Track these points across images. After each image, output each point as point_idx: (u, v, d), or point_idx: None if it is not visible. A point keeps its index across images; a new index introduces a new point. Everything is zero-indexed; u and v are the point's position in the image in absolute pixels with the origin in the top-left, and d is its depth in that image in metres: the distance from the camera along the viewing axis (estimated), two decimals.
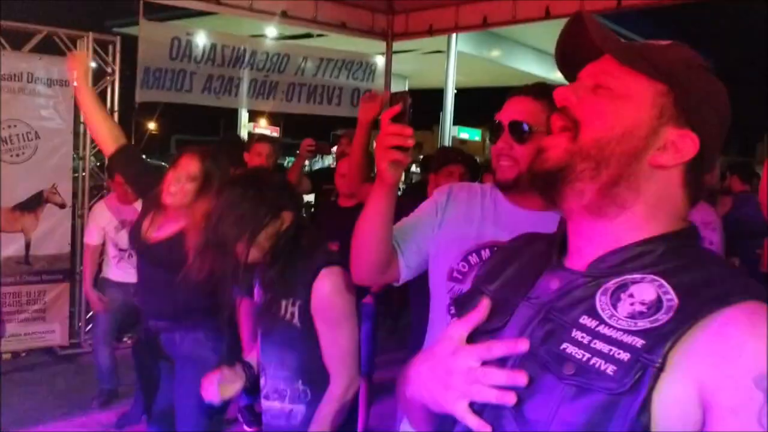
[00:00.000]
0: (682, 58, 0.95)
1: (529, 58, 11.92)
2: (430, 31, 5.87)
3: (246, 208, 1.93)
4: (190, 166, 2.63)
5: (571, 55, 1.00)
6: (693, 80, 0.94)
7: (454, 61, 10.46)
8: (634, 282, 0.89)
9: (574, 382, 0.83)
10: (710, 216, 3.44)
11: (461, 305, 1.10)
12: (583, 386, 0.82)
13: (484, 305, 0.97)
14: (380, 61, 6.84)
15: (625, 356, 0.81)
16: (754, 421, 0.75)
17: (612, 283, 0.90)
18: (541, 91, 1.71)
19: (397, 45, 6.60)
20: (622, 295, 0.88)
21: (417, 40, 6.87)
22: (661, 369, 0.79)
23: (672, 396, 0.79)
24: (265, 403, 2.11)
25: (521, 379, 0.86)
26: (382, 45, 6.59)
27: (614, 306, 0.87)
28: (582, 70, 0.98)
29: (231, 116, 12.37)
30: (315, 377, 2.00)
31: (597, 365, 0.82)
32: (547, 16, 5.11)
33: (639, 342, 0.82)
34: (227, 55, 5.90)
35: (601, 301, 0.89)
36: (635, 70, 0.93)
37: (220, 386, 2.14)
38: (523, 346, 0.88)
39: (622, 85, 0.93)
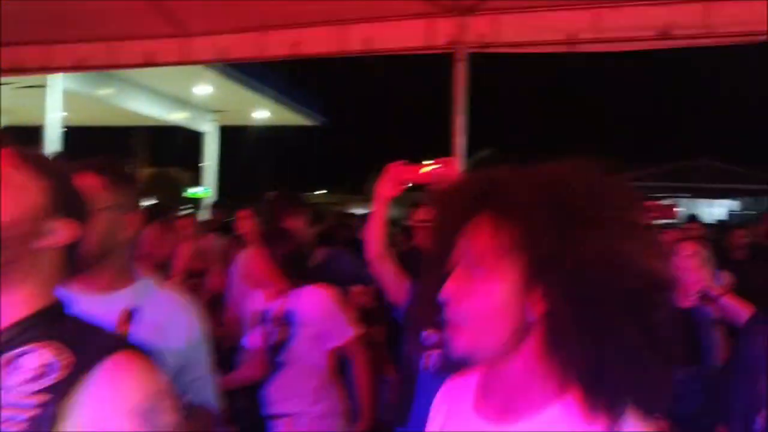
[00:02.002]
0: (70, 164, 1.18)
1: (142, 98, 11.77)
2: (19, 70, 5.41)
3: None
4: None
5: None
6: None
7: (59, 98, 9.85)
8: (29, 351, 1.05)
9: None
10: None
11: None
12: None
13: None
14: None
15: (31, 413, 0.98)
16: None
17: (12, 354, 1.05)
18: (103, 166, 1.74)
19: None
20: (20, 364, 1.03)
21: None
22: (60, 418, 0.98)
23: None
24: None
25: None
26: None
27: (15, 374, 1.02)
28: None
29: None
30: None
31: (11, 429, 0.97)
32: (148, 64, 5.12)
33: (41, 399, 0.99)
34: None
35: (4, 372, 1.02)
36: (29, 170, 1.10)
37: None
38: None
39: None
